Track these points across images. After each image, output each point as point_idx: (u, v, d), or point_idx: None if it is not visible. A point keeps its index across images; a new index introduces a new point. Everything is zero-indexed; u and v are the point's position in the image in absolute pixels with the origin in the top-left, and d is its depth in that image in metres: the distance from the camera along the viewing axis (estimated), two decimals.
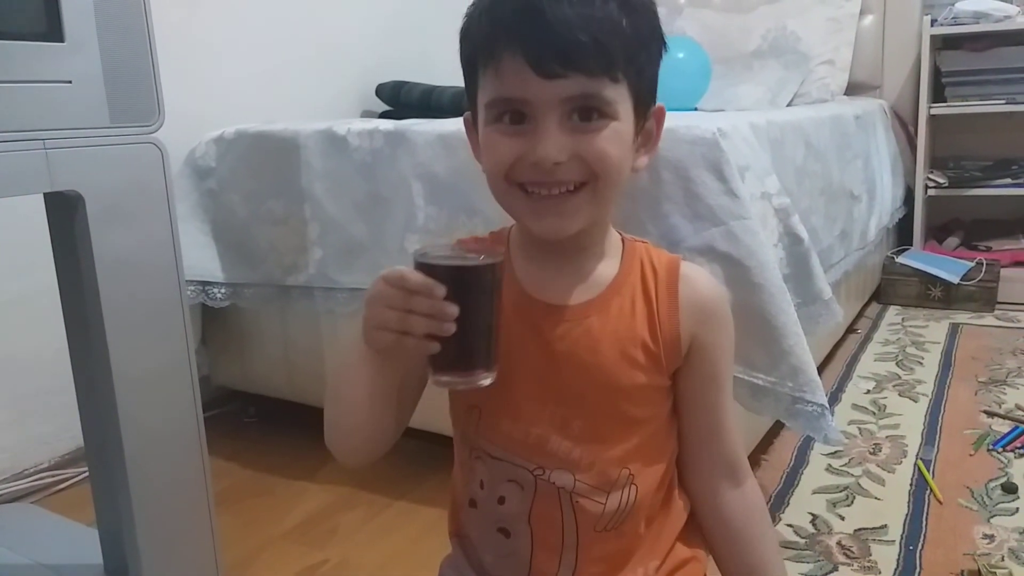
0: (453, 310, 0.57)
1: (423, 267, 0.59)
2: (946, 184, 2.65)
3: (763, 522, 0.78)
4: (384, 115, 2.05)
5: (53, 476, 1.45)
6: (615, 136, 0.65)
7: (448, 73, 2.11)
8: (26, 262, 1.19)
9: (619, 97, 0.64)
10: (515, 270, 0.73)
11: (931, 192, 2.68)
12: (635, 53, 0.65)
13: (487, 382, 0.62)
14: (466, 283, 0.59)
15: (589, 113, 0.64)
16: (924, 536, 1.19)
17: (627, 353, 0.70)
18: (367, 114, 2.14)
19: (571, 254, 0.72)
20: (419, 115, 1.64)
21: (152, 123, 1.00)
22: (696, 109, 2.04)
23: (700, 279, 0.74)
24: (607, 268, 0.72)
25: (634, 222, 1.11)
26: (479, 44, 0.65)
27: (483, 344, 0.62)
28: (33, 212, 1.04)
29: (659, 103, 0.72)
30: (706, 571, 0.78)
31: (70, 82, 0.91)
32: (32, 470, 1.44)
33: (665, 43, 0.70)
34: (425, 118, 1.46)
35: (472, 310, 0.59)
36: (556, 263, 0.72)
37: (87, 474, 1.16)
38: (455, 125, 1.31)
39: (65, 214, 0.97)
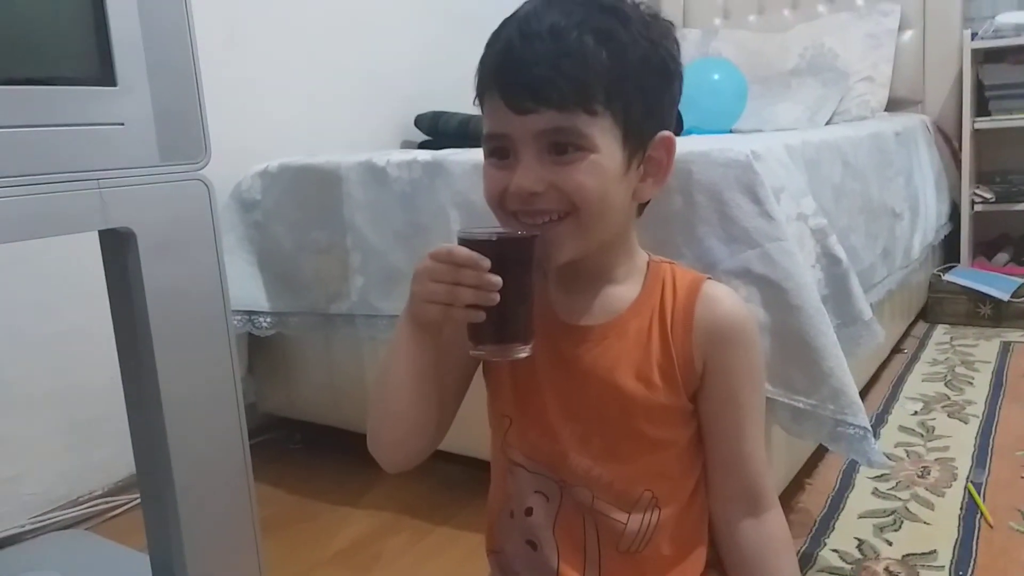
0: (497, 280, 0.62)
1: (467, 243, 0.64)
2: (993, 199, 2.59)
3: (779, 557, 0.76)
4: (423, 145, 2.09)
5: (107, 503, 1.49)
6: (593, 168, 0.67)
7: None
8: (82, 294, 1.24)
9: (598, 130, 0.66)
10: (549, 293, 0.75)
11: (978, 207, 2.63)
12: (617, 84, 0.66)
13: (524, 354, 0.66)
14: (507, 256, 0.64)
15: (564, 147, 0.67)
16: (975, 561, 1.16)
17: (644, 374, 0.71)
18: (407, 144, 2.19)
19: (592, 277, 0.74)
20: (457, 143, 1.66)
21: (199, 160, 1.04)
22: (732, 131, 2.04)
23: (720, 300, 0.75)
24: (628, 291, 0.74)
25: (669, 246, 1.11)
26: (477, 86, 0.71)
27: (521, 316, 0.66)
28: (88, 246, 1.09)
29: (665, 132, 0.72)
30: None
31: (123, 124, 0.95)
32: (87, 496, 1.49)
33: (674, 70, 0.71)
34: (462, 147, 1.49)
35: (511, 283, 0.63)
36: (579, 285, 0.74)
37: (139, 500, 1.20)
38: None
39: (118, 250, 1.01)
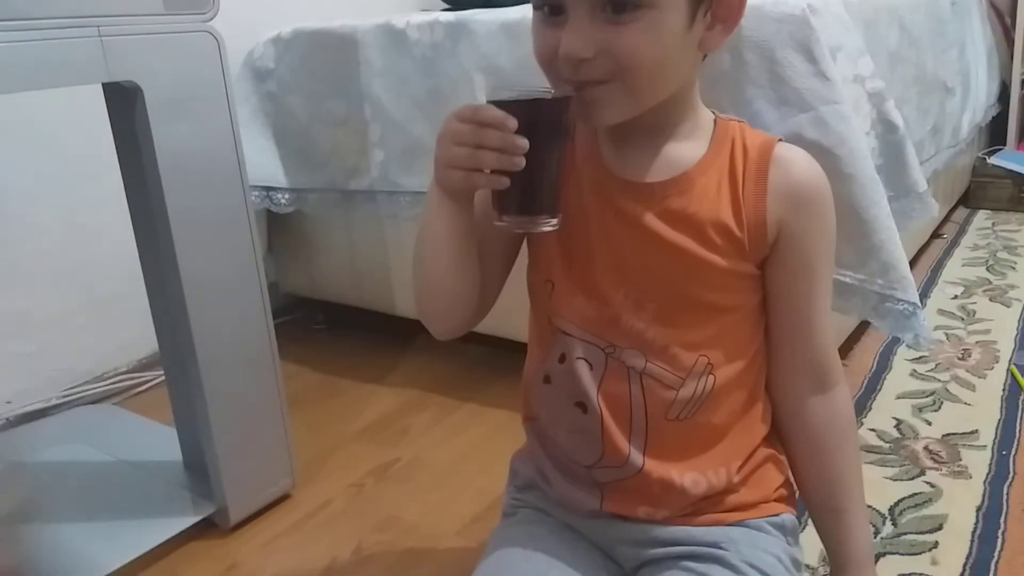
0: (523, 142, 0.57)
1: (494, 104, 0.59)
2: None
3: (844, 434, 0.73)
4: (444, 10, 1.96)
5: (132, 379, 1.49)
6: (652, 28, 0.59)
7: None
8: (98, 165, 1.18)
9: None
10: (599, 147, 0.69)
11: None
12: None
13: (550, 227, 0.62)
14: (536, 119, 0.58)
15: (622, 4, 0.59)
16: (1018, 441, 1.13)
17: (706, 236, 0.65)
18: (426, 10, 2.06)
19: (651, 133, 0.68)
20: (481, 7, 1.56)
21: (207, 11, 0.96)
22: None
23: (797, 162, 0.68)
24: (693, 149, 0.68)
25: (714, 109, 1.03)
26: None
27: (549, 186, 0.61)
28: (100, 114, 1.03)
29: None
30: (788, 474, 0.74)
31: None
32: (112, 372, 1.49)
33: None
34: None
35: (541, 148, 0.58)
36: (637, 142, 0.68)
37: (164, 377, 1.18)
38: (520, 12, 1.23)
39: (124, 106, 0.95)
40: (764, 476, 0.72)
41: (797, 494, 0.75)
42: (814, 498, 0.74)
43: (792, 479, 0.75)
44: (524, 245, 0.75)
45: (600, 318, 0.67)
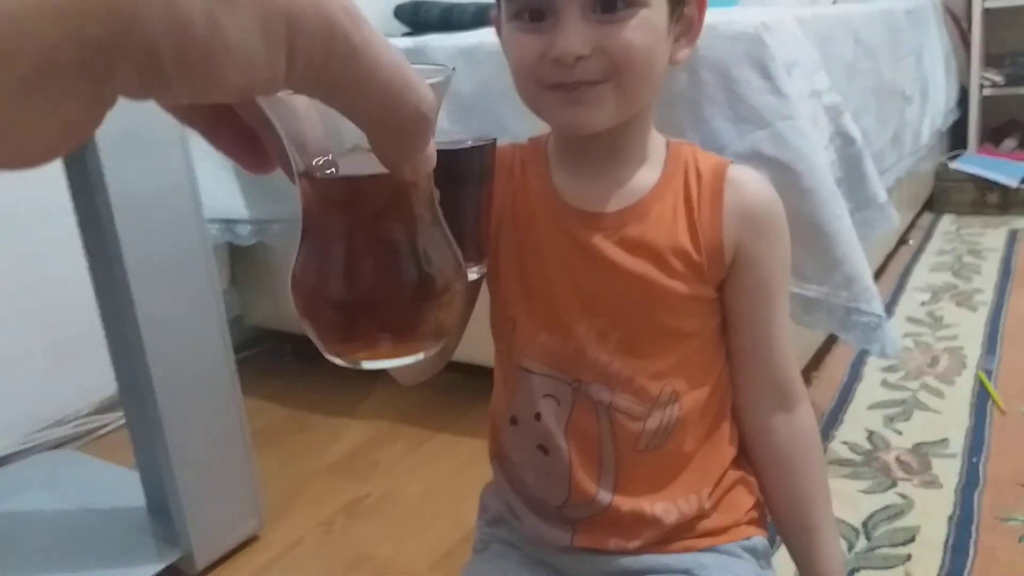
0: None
1: None
2: (1003, 82, 2.49)
3: (810, 451, 0.72)
4: (404, 37, 1.96)
5: (94, 422, 1.45)
6: (643, 25, 0.59)
7: None
8: (57, 207, 1.16)
9: None
10: (552, 179, 0.68)
11: (986, 92, 2.52)
12: None
13: (475, 275, 0.59)
14: (447, 168, 0.55)
15: (612, 3, 0.58)
16: (987, 448, 1.14)
17: (666, 262, 0.65)
18: (386, 37, 2.06)
19: (608, 159, 0.67)
20: (440, 33, 1.55)
21: None
22: (738, 3, 1.92)
23: (749, 183, 0.68)
24: (648, 174, 0.67)
25: (674, 129, 1.03)
26: None
27: (468, 232, 0.58)
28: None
29: None
30: (758, 495, 0.73)
31: None
32: (73, 416, 1.45)
33: None
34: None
35: (456, 196, 0.55)
36: (593, 170, 0.67)
37: (124, 419, 1.16)
38: (477, 37, 1.23)
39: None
40: (734, 500, 0.71)
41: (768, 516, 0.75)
42: (784, 517, 0.73)
43: (763, 500, 0.74)
44: (483, 284, 0.74)
45: (564, 352, 0.66)
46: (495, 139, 0.59)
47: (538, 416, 0.67)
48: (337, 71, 0.24)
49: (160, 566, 1.01)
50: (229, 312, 1.07)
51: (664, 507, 0.67)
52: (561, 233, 0.66)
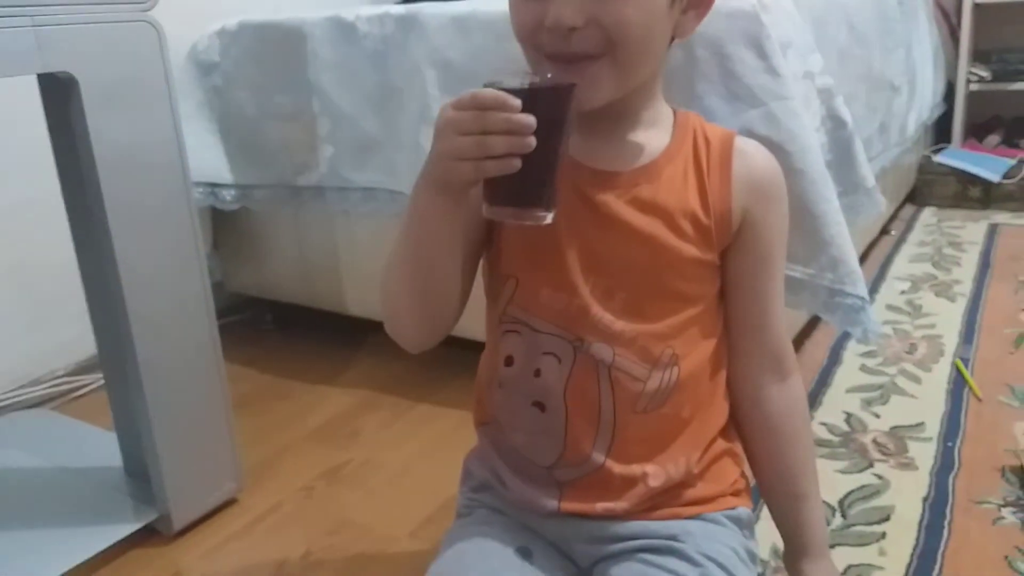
0: (531, 120, 0.54)
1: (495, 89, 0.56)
2: (989, 78, 2.51)
3: (803, 420, 0.75)
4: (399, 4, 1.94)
5: (71, 382, 1.43)
6: (639, 1, 0.58)
7: None
8: (35, 162, 1.13)
9: None
10: None
11: (973, 87, 2.54)
12: None
13: (545, 221, 0.58)
14: (539, 107, 0.55)
15: None
16: (963, 433, 1.15)
17: (676, 224, 0.66)
18: (376, 2, 2.03)
19: (618, 122, 0.68)
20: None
21: (146, 0, 0.92)
22: None
23: (756, 154, 0.70)
24: (658, 138, 0.68)
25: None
26: None
27: (549, 177, 0.58)
28: (35, 108, 0.98)
29: None
30: (744, 467, 0.74)
31: None
32: (49, 376, 1.43)
33: None
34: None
35: (543, 139, 0.55)
36: (603, 132, 0.67)
37: (103, 381, 1.14)
38: (470, 6, 1.22)
39: (60, 98, 0.91)
40: (721, 470, 0.72)
41: (753, 484, 0.75)
42: (775, 485, 0.74)
43: (748, 472, 0.75)
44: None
45: (568, 310, 0.66)
46: (576, 82, 0.57)
47: (538, 372, 0.67)
48: None
49: (136, 525, 1.00)
50: (211, 277, 1.05)
51: (653, 470, 0.68)
52: (572, 190, 0.66)
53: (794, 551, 0.75)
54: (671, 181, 0.66)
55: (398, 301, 0.67)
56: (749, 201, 0.67)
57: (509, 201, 0.58)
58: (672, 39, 0.68)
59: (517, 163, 0.55)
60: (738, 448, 0.75)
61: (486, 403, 0.74)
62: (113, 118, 0.91)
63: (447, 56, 1.21)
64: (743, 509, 0.72)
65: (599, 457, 0.67)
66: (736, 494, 0.73)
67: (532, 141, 0.54)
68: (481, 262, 0.72)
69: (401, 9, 1.27)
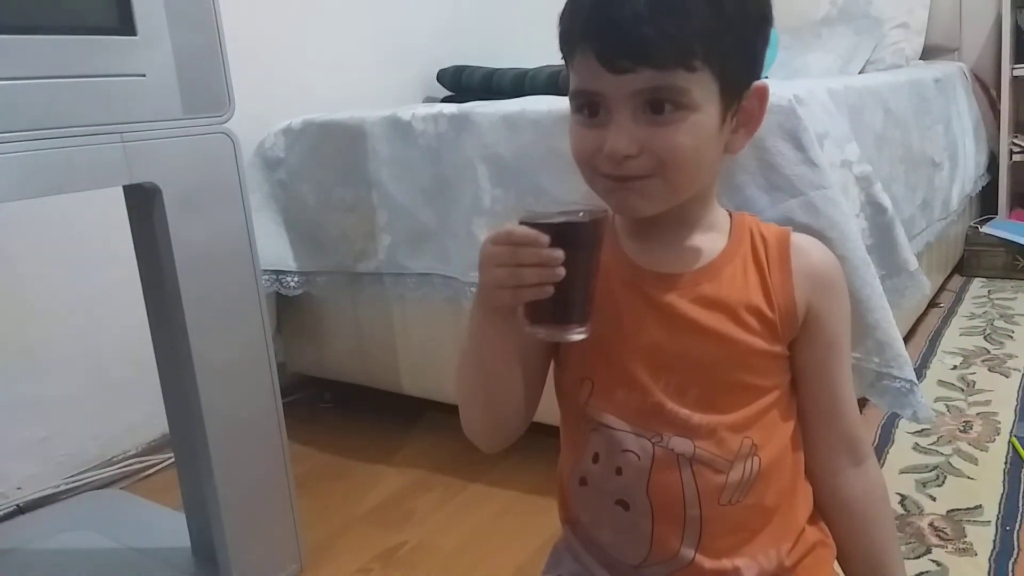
0: (559, 254, 0.60)
1: (527, 226, 0.62)
2: None
3: (883, 503, 0.76)
4: (446, 100, 2.04)
5: (141, 462, 1.50)
6: (691, 128, 0.64)
7: (509, 56, 2.10)
8: (112, 254, 1.22)
9: (697, 86, 0.63)
10: (621, 245, 0.73)
11: (1016, 157, 2.55)
12: (718, 38, 0.63)
13: (580, 337, 0.64)
14: (566, 238, 0.62)
15: (660, 105, 0.63)
16: (1022, 516, 1.14)
17: (741, 318, 0.68)
18: (429, 100, 2.14)
19: (676, 227, 0.71)
20: (481, 98, 1.63)
21: (223, 113, 1.01)
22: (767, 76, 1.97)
23: (812, 249, 0.73)
24: (716, 240, 0.72)
25: None
26: (562, 37, 0.67)
27: (579, 298, 0.64)
28: (116, 206, 1.07)
29: (760, 82, 0.69)
30: (834, 558, 0.75)
31: (144, 75, 0.92)
32: (120, 457, 1.50)
33: (769, 14, 0.68)
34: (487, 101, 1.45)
35: (573, 262, 0.61)
36: (662, 237, 0.71)
37: (173, 460, 1.20)
38: (519, 105, 1.29)
39: (144, 205, 0.99)
40: (815, 563, 0.72)
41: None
42: (859, 570, 0.75)
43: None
44: None
45: (643, 408, 0.69)
46: (607, 210, 0.64)
47: (619, 471, 0.70)
48: None
49: None
50: (275, 358, 1.12)
51: (745, 563, 0.69)
52: (635, 294, 0.70)
53: None
54: (732, 279, 0.69)
55: (468, 411, 0.73)
56: (811, 294, 0.70)
57: (545, 321, 0.65)
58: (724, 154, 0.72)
59: (550, 290, 0.61)
60: (830, 540, 0.75)
61: (570, 501, 0.77)
62: (192, 221, 0.99)
63: (497, 152, 1.28)
64: None
65: (688, 553, 0.68)
66: None
67: (561, 272, 0.61)
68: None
69: (453, 108, 1.35)
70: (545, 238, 0.60)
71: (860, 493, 0.74)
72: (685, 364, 0.68)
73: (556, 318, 0.64)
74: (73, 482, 1.42)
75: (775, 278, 0.70)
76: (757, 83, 0.69)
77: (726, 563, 0.68)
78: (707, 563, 0.68)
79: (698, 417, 0.68)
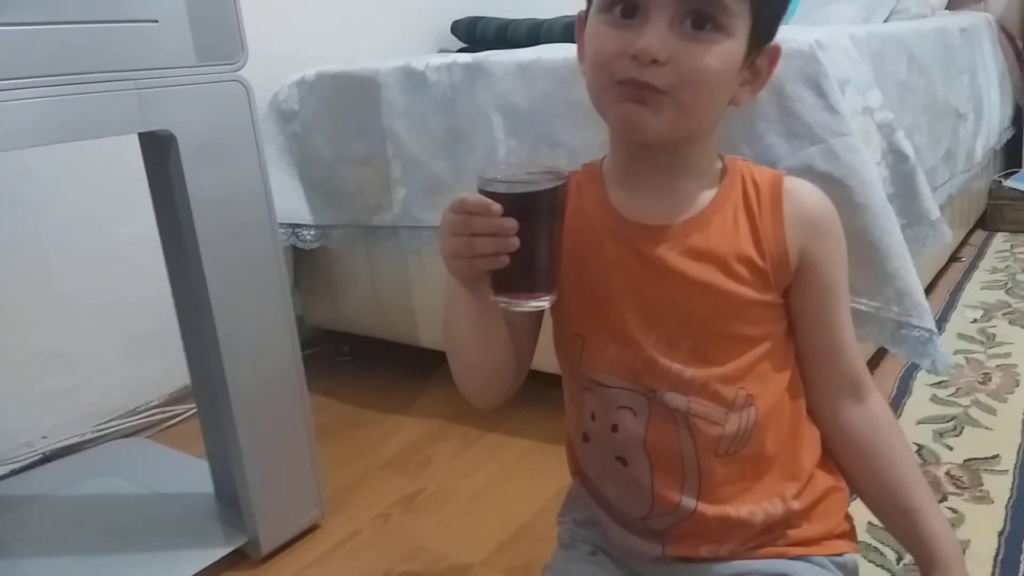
0: (512, 224, 0.60)
1: (484, 194, 0.62)
2: None
3: (893, 434, 0.74)
4: (461, 52, 2.02)
5: (164, 412, 1.52)
6: (722, 52, 0.62)
7: (524, 6, 2.07)
8: (133, 207, 1.23)
9: (740, 12, 0.62)
10: (609, 198, 0.72)
11: None
12: None
13: (545, 304, 0.65)
14: (522, 206, 0.61)
15: (703, 20, 0.61)
16: None
17: (731, 268, 0.67)
18: (444, 52, 2.12)
19: (668, 174, 0.70)
20: (496, 49, 1.60)
21: (237, 61, 1.01)
22: (791, 21, 1.93)
23: (805, 193, 0.71)
24: (706, 188, 0.70)
25: (727, 144, 1.06)
26: None
27: (542, 266, 0.64)
28: (135, 158, 1.07)
29: (776, 43, 0.68)
30: (847, 507, 0.75)
31: (156, 21, 0.92)
32: (144, 407, 1.52)
33: None
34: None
35: (529, 232, 0.61)
36: (651, 185, 0.70)
37: (196, 410, 1.22)
38: (534, 54, 1.27)
39: (159, 154, 1.00)
40: (827, 509, 0.72)
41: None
42: (882, 505, 0.74)
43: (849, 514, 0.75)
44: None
45: (635, 363, 0.68)
46: (567, 175, 0.63)
47: (615, 428, 0.70)
48: None
49: (227, 550, 1.06)
50: (294, 312, 1.12)
51: (749, 509, 0.69)
52: (624, 248, 0.69)
53: (924, 566, 0.72)
54: (722, 228, 0.68)
55: (455, 371, 0.73)
56: (804, 240, 0.68)
57: (506, 290, 0.64)
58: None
59: (505, 260, 0.61)
60: (842, 484, 0.74)
61: (577, 456, 0.77)
62: (207, 169, 0.99)
63: (512, 101, 1.27)
64: (850, 556, 0.72)
65: (690, 502, 0.68)
66: (843, 536, 0.72)
67: (515, 242, 0.60)
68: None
69: (468, 58, 1.34)
70: (498, 207, 0.60)
71: (867, 429, 0.73)
72: (676, 318, 0.68)
73: (516, 287, 0.64)
74: (98, 431, 1.45)
75: (766, 225, 0.68)
76: (774, 42, 0.68)
77: (730, 510, 0.69)
78: (710, 510, 0.69)
79: (690, 371, 0.67)
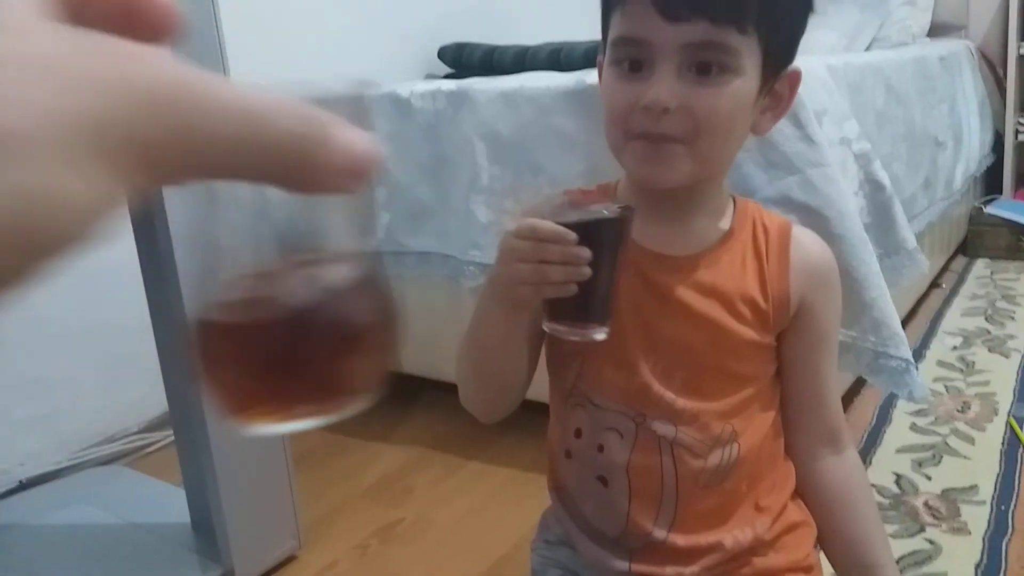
0: (586, 253, 0.58)
1: (554, 221, 0.60)
2: None
3: (862, 490, 0.76)
4: (447, 78, 2.03)
5: (142, 439, 1.51)
6: (732, 93, 0.62)
7: (511, 33, 2.09)
8: (116, 230, 1.22)
9: (745, 49, 0.62)
10: None
11: (1022, 137, 2.52)
12: (771, 4, 0.62)
13: (601, 337, 0.62)
14: (593, 235, 0.60)
15: (708, 66, 0.62)
16: (1017, 495, 1.14)
17: (735, 307, 0.68)
18: (430, 77, 2.13)
19: (681, 208, 0.70)
20: (481, 76, 1.62)
21: None
22: None
23: (811, 243, 0.73)
24: (718, 225, 0.71)
25: None
26: None
27: (603, 297, 0.62)
28: None
29: (795, 67, 0.68)
30: (814, 542, 0.75)
31: None
32: (122, 434, 1.51)
33: (813, 4, 0.67)
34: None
35: (595, 262, 0.59)
36: (666, 217, 0.70)
37: (174, 437, 1.21)
38: (517, 82, 1.29)
39: None
40: (795, 542, 0.73)
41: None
42: (844, 558, 0.75)
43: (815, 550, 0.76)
44: None
45: (630, 387, 0.69)
46: (634, 209, 0.62)
47: (601, 448, 0.70)
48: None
49: None
50: None
51: (719, 537, 0.70)
52: (634, 273, 0.68)
53: None
54: (731, 267, 0.69)
55: (468, 386, 0.73)
56: (807, 288, 0.70)
57: (566, 319, 0.63)
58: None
59: (573, 288, 0.59)
60: (812, 521, 0.75)
61: (557, 471, 0.77)
62: (186, 193, 0.99)
63: (496, 128, 1.28)
64: None
65: (661, 533, 0.69)
66: (807, 570, 0.73)
67: (587, 271, 0.58)
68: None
69: (452, 85, 1.35)
70: (573, 235, 0.58)
71: (838, 480, 0.74)
72: (674, 348, 0.68)
73: (578, 316, 0.62)
74: (75, 459, 1.43)
75: (772, 269, 0.69)
76: (793, 67, 0.68)
77: (700, 539, 0.69)
78: (680, 540, 0.69)
79: (682, 402, 0.68)
